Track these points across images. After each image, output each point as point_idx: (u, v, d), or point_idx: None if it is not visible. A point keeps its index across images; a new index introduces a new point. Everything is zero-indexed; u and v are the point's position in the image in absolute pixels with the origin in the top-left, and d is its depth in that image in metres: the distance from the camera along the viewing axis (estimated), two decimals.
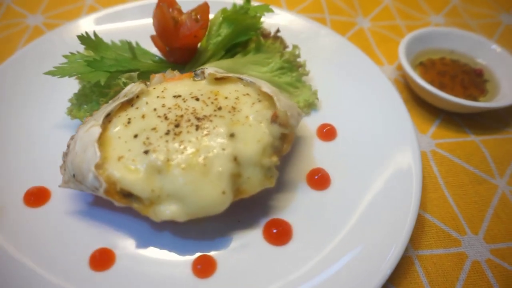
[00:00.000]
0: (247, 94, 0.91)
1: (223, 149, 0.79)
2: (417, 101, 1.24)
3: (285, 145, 0.87)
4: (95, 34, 1.02)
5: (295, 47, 1.14)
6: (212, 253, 0.84)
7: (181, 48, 1.07)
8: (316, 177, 0.96)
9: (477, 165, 1.08)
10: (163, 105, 0.86)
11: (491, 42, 1.29)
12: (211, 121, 0.83)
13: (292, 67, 1.12)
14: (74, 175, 0.81)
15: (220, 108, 0.86)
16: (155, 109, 0.86)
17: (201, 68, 0.96)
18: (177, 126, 0.82)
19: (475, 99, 1.19)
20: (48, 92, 1.08)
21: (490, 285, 0.87)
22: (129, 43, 1.08)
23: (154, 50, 1.15)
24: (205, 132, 0.81)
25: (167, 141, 0.80)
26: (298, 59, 1.14)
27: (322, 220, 0.89)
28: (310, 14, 1.49)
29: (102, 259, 0.81)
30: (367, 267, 0.80)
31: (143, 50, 1.15)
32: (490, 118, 1.20)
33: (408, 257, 0.90)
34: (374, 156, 0.99)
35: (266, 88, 0.91)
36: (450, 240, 0.93)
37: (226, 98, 0.89)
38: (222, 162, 0.78)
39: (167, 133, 0.81)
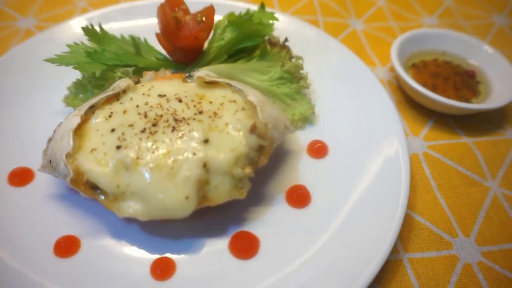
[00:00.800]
0: (234, 101, 0.90)
1: (194, 154, 0.78)
2: (409, 102, 1.22)
3: (262, 157, 0.85)
4: (100, 27, 1.05)
5: (298, 58, 1.11)
6: (173, 256, 0.83)
7: (184, 48, 1.08)
8: (295, 194, 0.93)
9: (469, 167, 1.06)
10: (146, 103, 0.87)
11: (483, 44, 1.27)
12: (188, 124, 0.83)
13: (292, 78, 1.10)
14: (50, 161, 0.83)
15: (201, 112, 0.86)
16: (137, 106, 0.87)
17: (194, 70, 0.96)
18: (154, 125, 0.83)
19: (467, 100, 1.17)
20: (52, 79, 1.11)
21: None
22: (134, 38, 1.10)
23: (161, 47, 1.16)
24: (180, 134, 0.81)
25: (140, 139, 0.80)
26: (301, 71, 1.11)
27: (293, 239, 0.86)
28: (303, 16, 1.48)
29: (66, 246, 0.82)
30: (348, 272, 0.79)
31: (149, 47, 1.17)
32: (483, 119, 1.18)
33: (398, 260, 0.88)
34: (361, 176, 0.95)
35: (253, 97, 0.89)
36: (441, 243, 0.92)
37: (210, 102, 0.88)
38: (191, 167, 0.77)
39: (143, 131, 0.82)
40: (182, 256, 0.83)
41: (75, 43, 1.03)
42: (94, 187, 0.79)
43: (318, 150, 1.02)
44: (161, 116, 0.84)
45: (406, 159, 0.94)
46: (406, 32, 1.29)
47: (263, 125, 0.84)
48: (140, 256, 0.83)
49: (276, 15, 1.10)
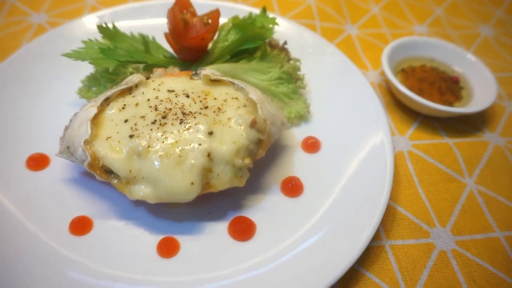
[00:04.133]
0: (236, 98, 0.98)
1: (200, 144, 0.87)
2: (397, 105, 1.33)
3: (260, 150, 0.94)
4: (113, 25, 1.13)
5: (296, 60, 1.20)
6: (177, 236, 0.91)
7: (190, 48, 1.16)
8: (290, 184, 1.02)
9: (449, 165, 1.16)
10: (157, 97, 0.95)
11: (467, 52, 1.38)
12: (194, 117, 0.91)
13: (290, 79, 1.18)
14: (68, 147, 0.91)
15: (206, 107, 0.94)
16: (148, 100, 0.95)
17: (200, 68, 1.04)
18: (164, 117, 0.91)
19: (450, 104, 1.28)
20: (67, 73, 1.19)
21: (454, 272, 0.95)
22: (144, 37, 1.18)
23: (168, 46, 1.25)
24: (187, 126, 0.89)
25: (151, 129, 0.89)
26: (298, 72, 1.20)
27: (286, 225, 0.95)
28: (301, 20, 1.58)
29: (80, 226, 0.91)
30: (333, 254, 0.88)
31: (157, 45, 1.25)
32: (464, 122, 1.29)
33: (381, 246, 0.98)
34: (350, 169, 1.04)
35: (253, 95, 0.97)
36: (420, 232, 1.01)
37: (215, 98, 0.97)
38: (196, 156, 0.86)
39: (154, 122, 0.90)
40: (185, 237, 0.92)
41: (89, 40, 1.10)
42: (108, 172, 0.87)
43: (311, 145, 1.11)
44: (170, 109, 0.93)
45: (390, 149, 1.04)
46: (397, 39, 1.39)
47: (262, 121, 0.93)
48: (147, 236, 0.91)
49: (276, 20, 1.19)
